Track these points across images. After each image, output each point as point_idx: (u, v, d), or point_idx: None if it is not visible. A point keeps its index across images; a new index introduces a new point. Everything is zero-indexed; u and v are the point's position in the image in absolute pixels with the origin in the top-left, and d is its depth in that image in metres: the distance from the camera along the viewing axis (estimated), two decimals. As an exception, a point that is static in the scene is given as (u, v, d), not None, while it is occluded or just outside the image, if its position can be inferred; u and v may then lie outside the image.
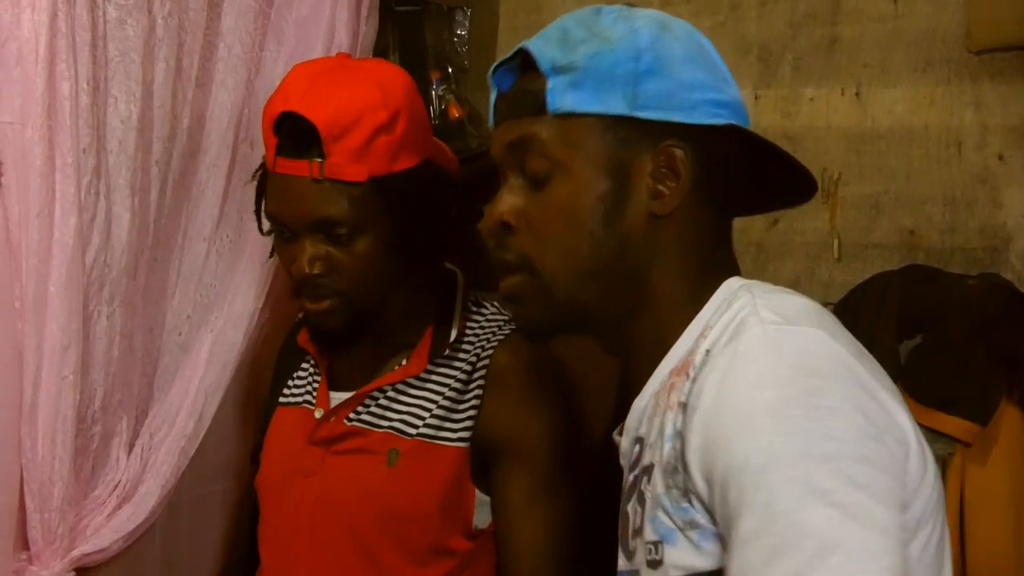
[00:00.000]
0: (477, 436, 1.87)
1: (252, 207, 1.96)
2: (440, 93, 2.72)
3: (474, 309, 1.97)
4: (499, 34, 2.81)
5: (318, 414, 1.96)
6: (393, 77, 1.91)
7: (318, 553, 1.92)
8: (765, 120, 2.54)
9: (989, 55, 2.30)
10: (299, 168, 1.82)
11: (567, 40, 1.43)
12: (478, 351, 1.91)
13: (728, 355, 1.27)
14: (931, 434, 2.11)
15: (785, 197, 1.54)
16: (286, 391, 2.05)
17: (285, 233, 1.88)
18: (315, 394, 2.00)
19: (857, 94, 2.44)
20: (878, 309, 2.24)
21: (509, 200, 1.45)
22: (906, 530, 1.24)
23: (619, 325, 1.45)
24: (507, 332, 1.93)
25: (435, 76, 2.73)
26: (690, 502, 1.29)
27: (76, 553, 1.99)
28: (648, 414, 1.41)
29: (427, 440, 1.88)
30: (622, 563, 1.44)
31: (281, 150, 1.85)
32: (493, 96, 1.50)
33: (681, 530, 1.30)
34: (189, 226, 2.20)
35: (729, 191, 1.47)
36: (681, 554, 1.30)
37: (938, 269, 2.30)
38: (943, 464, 2.12)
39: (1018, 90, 2.27)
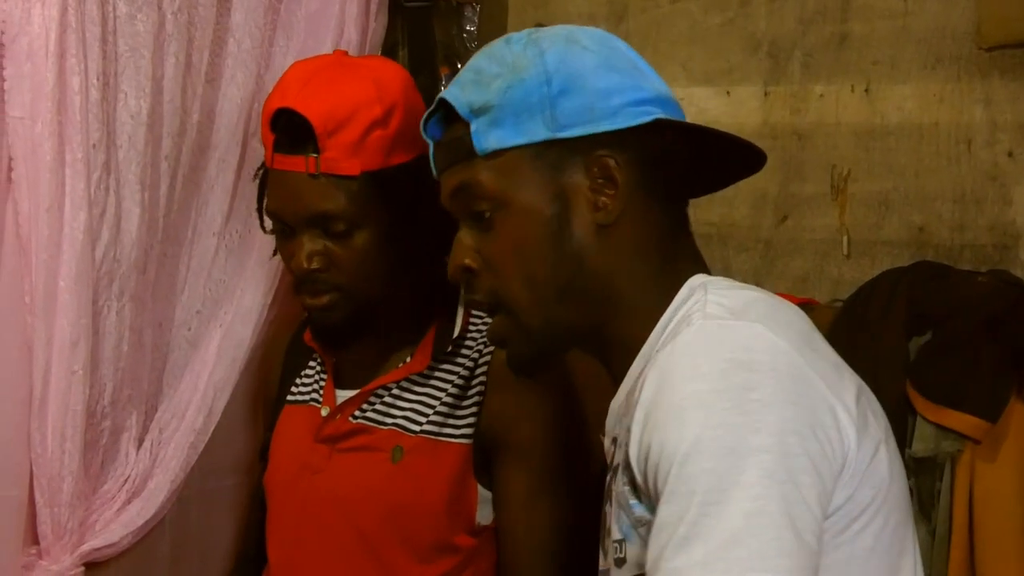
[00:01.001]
0: (479, 433, 1.87)
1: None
2: (449, 89, 2.72)
3: None
4: (508, 29, 2.81)
5: (324, 412, 1.97)
6: (390, 73, 1.91)
7: (324, 551, 1.92)
8: (774, 117, 2.53)
9: (999, 52, 2.29)
10: (295, 164, 1.83)
11: (480, 80, 1.46)
12: (480, 347, 1.91)
13: (667, 351, 1.31)
14: (940, 431, 2.11)
15: (736, 171, 1.56)
16: (294, 389, 2.06)
17: (285, 230, 1.88)
18: (322, 392, 2.00)
19: (867, 91, 2.44)
20: (887, 306, 2.23)
21: (465, 244, 1.49)
22: (849, 517, 1.28)
23: (597, 335, 1.48)
24: None
25: (444, 72, 2.73)
26: (638, 499, 1.33)
27: (85, 548, 2.00)
28: (619, 414, 1.45)
29: (430, 437, 1.88)
30: (601, 562, 1.49)
31: (278, 146, 1.85)
32: (431, 147, 1.54)
33: (634, 527, 1.35)
34: (199, 221, 2.20)
35: (674, 182, 1.49)
36: (639, 552, 1.34)
37: (947, 266, 2.30)
38: (951, 461, 2.12)
39: (1029, 87, 2.27)
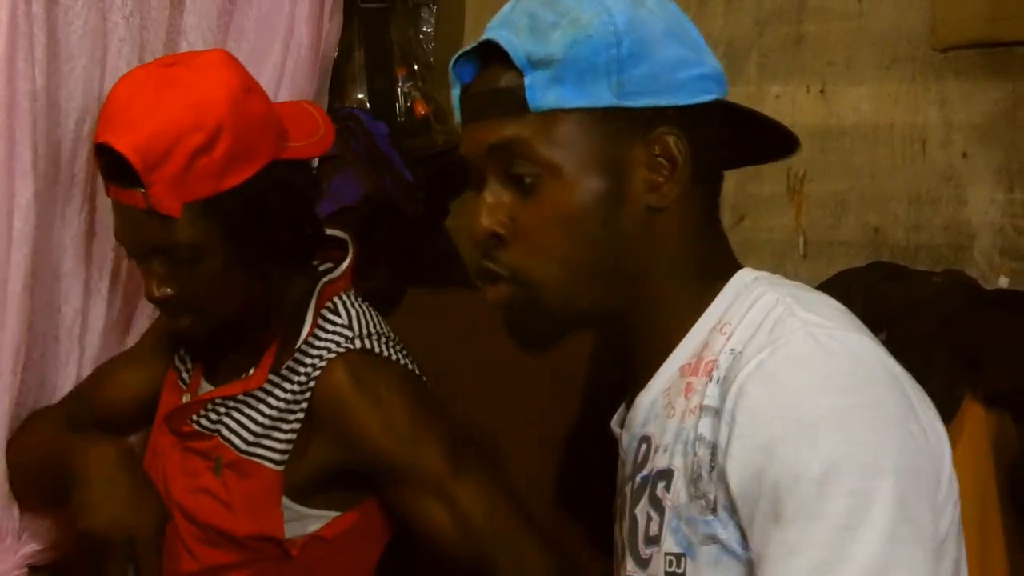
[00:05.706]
0: (304, 460, 1.85)
1: None
2: (406, 90, 2.72)
3: (328, 315, 1.91)
4: (465, 31, 2.80)
5: (185, 399, 1.95)
6: (213, 88, 1.78)
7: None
8: (732, 117, 2.54)
9: (954, 53, 2.29)
10: (128, 197, 1.78)
11: (537, 27, 1.33)
12: (310, 369, 1.86)
13: (775, 358, 1.23)
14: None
15: (761, 154, 1.49)
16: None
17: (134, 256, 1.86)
18: (191, 375, 1.99)
19: (822, 92, 2.44)
20: (843, 306, 2.23)
21: (496, 208, 1.36)
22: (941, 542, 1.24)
23: (618, 321, 1.39)
24: (343, 350, 1.86)
25: (401, 73, 2.73)
26: (715, 514, 1.25)
27: (27, 550, 1.99)
28: (656, 413, 1.36)
29: (245, 456, 1.86)
30: (631, 568, 1.38)
31: (109, 177, 1.81)
32: (456, 91, 1.41)
33: (701, 544, 1.26)
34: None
35: (717, 164, 1.41)
36: (703, 569, 1.26)
37: (903, 266, 2.30)
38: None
39: (982, 88, 2.26)
